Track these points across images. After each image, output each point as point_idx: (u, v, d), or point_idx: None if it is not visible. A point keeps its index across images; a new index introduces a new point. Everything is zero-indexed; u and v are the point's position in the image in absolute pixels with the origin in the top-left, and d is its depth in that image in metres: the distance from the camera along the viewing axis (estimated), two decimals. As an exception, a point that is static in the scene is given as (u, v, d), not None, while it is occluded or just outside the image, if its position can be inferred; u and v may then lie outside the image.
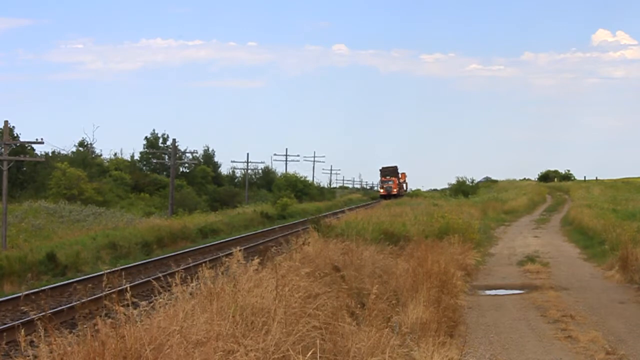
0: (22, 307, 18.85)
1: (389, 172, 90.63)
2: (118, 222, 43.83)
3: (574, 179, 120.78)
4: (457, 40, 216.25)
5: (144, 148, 77.87)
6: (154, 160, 72.91)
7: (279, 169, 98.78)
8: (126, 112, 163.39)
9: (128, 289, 8.98)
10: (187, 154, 66.00)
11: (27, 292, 19.06)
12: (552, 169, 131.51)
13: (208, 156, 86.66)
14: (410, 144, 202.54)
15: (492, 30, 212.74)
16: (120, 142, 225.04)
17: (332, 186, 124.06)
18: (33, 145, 58.64)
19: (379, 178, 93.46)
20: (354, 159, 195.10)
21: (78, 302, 11.76)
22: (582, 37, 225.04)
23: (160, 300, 9.65)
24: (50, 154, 64.55)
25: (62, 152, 68.07)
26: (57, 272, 27.73)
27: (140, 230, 38.53)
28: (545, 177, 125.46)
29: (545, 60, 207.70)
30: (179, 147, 60.85)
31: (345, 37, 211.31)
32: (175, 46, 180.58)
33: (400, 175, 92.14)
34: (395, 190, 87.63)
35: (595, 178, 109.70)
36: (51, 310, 17.56)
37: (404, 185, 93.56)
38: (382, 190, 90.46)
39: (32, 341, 8.04)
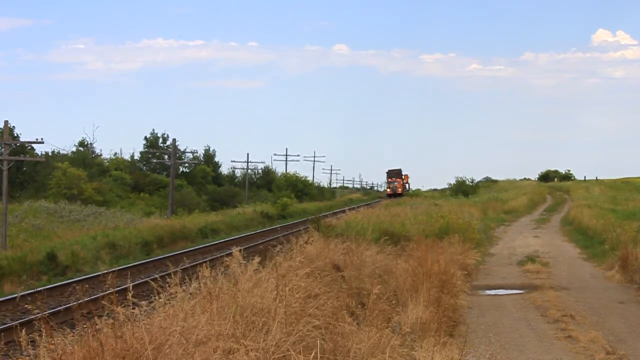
0: (21, 307, 18.85)
1: (394, 174, 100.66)
2: (118, 222, 43.82)
3: (574, 179, 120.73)
4: (457, 40, 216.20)
5: (144, 148, 77.88)
6: (154, 160, 72.89)
7: (279, 169, 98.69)
8: (126, 112, 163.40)
9: (130, 288, 8.97)
10: (187, 154, 66.00)
11: (26, 293, 19.03)
12: (552, 169, 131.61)
13: (208, 156, 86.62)
14: (411, 144, 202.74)
15: (492, 30, 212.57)
16: (120, 142, 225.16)
17: (332, 186, 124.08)
18: (33, 145, 58.68)
19: (386, 179, 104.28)
20: (354, 159, 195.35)
21: (76, 302, 11.74)
22: (582, 37, 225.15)
23: (160, 300, 9.63)
24: (50, 154, 64.54)
25: (62, 152, 68.13)
26: (57, 272, 27.75)
27: (140, 230, 38.51)
28: (546, 177, 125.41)
29: (545, 60, 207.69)
30: (179, 147, 60.90)
31: (345, 37, 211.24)
32: (176, 46, 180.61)
33: (403, 177, 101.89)
34: (399, 189, 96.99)
35: (595, 178, 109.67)
36: (50, 310, 17.56)
37: (407, 185, 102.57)
38: (388, 190, 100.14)
39: (32, 341, 8.03)
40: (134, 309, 8.71)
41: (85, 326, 8.23)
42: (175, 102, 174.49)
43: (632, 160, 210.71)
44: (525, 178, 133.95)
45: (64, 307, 18.71)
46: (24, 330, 8.23)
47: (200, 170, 78.27)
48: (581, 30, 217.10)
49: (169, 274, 11.45)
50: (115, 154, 75.74)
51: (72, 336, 8.01)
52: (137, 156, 77.77)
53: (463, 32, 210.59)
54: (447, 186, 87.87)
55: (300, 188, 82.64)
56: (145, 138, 79.10)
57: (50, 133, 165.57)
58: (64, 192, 54.33)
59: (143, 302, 9.67)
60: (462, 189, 74.77)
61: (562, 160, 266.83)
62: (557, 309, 16.66)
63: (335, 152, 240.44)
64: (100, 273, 20.89)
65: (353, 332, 9.70)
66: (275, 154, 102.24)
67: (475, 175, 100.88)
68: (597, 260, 25.74)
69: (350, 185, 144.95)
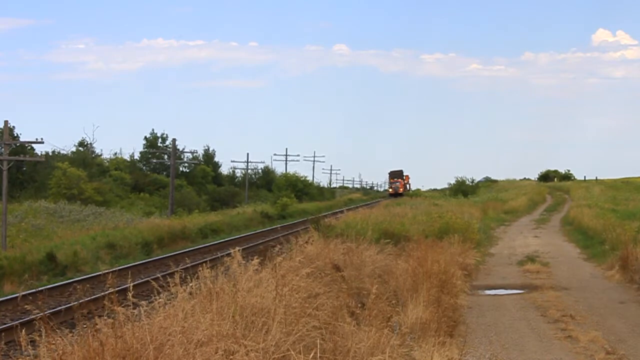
0: (21, 307, 18.84)
1: (396, 175, 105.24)
2: (118, 222, 43.80)
3: (574, 178, 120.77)
4: (457, 40, 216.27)
5: (143, 148, 77.89)
6: (154, 160, 72.88)
7: (279, 169, 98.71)
8: (127, 112, 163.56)
9: (130, 288, 8.96)
10: (187, 154, 65.95)
11: (25, 293, 19.04)
12: (552, 169, 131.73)
13: (208, 156, 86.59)
14: (411, 144, 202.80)
15: (492, 30, 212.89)
16: (120, 142, 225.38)
17: (332, 186, 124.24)
18: (33, 145, 58.65)
19: (388, 180, 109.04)
20: (354, 159, 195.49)
21: (76, 302, 11.74)
22: (582, 37, 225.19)
23: (160, 300, 9.62)
24: (50, 154, 64.49)
25: (62, 152, 68.06)
26: (57, 272, 27.74)
27: (140, 230, 38.49)
28: (545, 177, 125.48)
29: (546, 60, 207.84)
30: (179, 147, 60.84)
31: (345, 37, 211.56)
32: (176, 46, 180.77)
33: (404, 178, 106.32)
34: (401, 189, 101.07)
35: (595, 178, 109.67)
36: (51, 310, 17.56)
37: (408, 185, 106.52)
38: (390, 190, 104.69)
39: (32, 340, 8.03)
40: (134, 309, 8.71)
41: (85, 326, 8.23)
42: (175, 102, 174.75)
43: (632, 160, 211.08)
44: (525, 178, 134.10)
45: (64, 307, 18.71)
46: (24, 330, 8.23)
47: (200, 170, 78.25)
48: (581, 30, 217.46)
49: (169, 274, 11.46)
50: (115, 154, 75.83)
51: (72, 336, 8.02)
52: (137, 156, 77.91)
53: (463, 32, 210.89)
54: (447, 186, 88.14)
55: (300, 188, 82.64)
56: (145, 138, 79.14)
57: (50, 133, 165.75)
58: (64, 192, 54.31)
59: (143, 302, 9.67)
60: (462, 189, 74.82)
61: (562, 160, 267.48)
62: (557, 309, 16.67)
63: (335, 152, 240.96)
64: (100, 273, 20.91)
65: (353, 332, 9.70)
66: (275, 154, 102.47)
67: (475, 175, 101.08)
68: (597, 260, 25.74)
69: (350, 185, 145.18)
